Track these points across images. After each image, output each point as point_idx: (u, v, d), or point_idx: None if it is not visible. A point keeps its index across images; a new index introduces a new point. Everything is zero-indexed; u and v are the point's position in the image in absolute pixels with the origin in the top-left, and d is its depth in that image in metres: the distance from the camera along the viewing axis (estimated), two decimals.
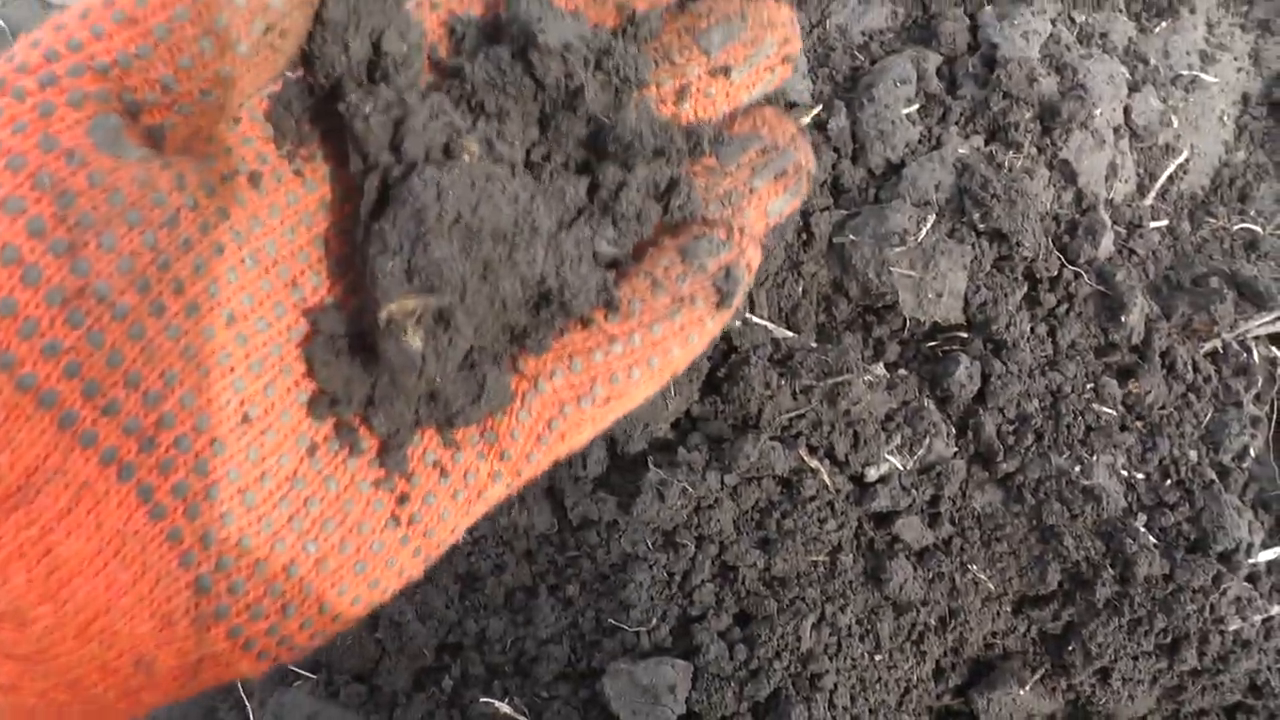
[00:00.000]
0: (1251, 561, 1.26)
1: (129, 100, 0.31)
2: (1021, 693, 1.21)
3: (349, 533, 0.36)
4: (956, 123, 1.36)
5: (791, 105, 1.32)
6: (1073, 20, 1.50)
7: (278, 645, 0.35)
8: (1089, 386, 1.30)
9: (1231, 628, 1.21)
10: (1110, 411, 1.29)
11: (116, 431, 0.30)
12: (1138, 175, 1.49)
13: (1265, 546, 1.28)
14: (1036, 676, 1.23)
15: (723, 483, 1.14)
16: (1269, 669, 1.24)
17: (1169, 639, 1.21)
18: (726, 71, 0.40)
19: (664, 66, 0.40)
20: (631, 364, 0.38)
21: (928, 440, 1.21)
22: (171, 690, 0.34)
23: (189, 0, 0.30)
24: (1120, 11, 1.57)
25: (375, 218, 0.35)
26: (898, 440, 1.20)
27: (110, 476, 0.31)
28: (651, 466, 1.12)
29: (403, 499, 0.37)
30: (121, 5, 0.30)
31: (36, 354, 0.29)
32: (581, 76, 0.37)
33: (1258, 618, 1.22)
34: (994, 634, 1.23)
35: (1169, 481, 1.29)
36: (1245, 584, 1.23)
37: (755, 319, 1.22)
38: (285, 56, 0.34)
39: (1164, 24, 1.59)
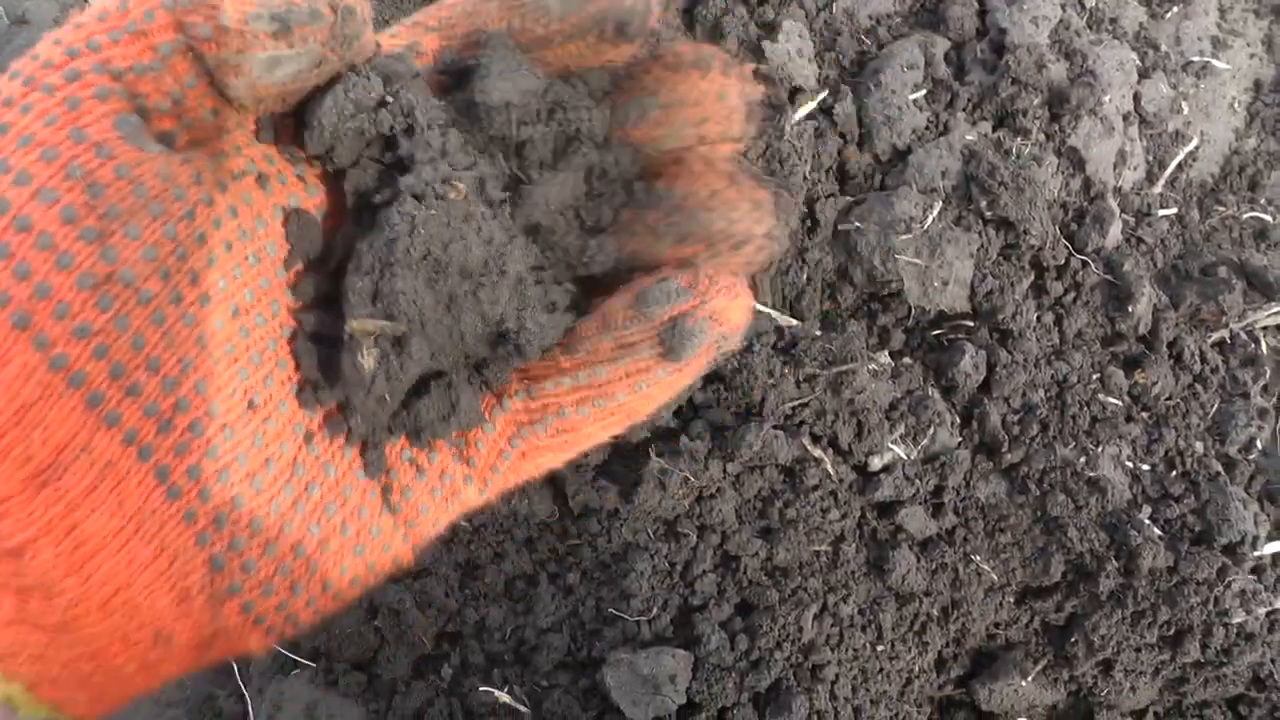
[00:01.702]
0: (1257, 554, 1.25)
1: (141, 106, 0.32)
2: (1024, 683, 1.20)
3: (349, 516, 0.38)
4: (964, 109, 1.34)
5: (797, 90, 1.31)
6: (1082, 5, 1.48)
7: (285, 621, 0.37)
8: (1095, 376, 1.29)
9: (1235, 620, 1.20)
10: (1116, 402, 1.28)
11: (138, 413, 0.32)
12: (1147, 163, 1.47)
13: (1271, 539, 1.27)
14: (1039, 667, 1.22)
15: (725, 471, 1.13)
16: (1272, 661, 1.23)
17: (1172, 631, 1.21)
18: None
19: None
20: (578, 401, 0.38)
21: (932, 430, 1.20)
22: (187, 663, 0.36)
23: (178, 39, 0.32)
24: None
25: (360, 236, 0.37)
26: (901, 430, 1.19)
27: (131, 456, 0.32)
28: (653, 455, 1.11)
29: (388, 489, 0.39)
30: (134, 16, 0.32)
31: (68, 335, 0.30)
32: (526, 132, 0.38)
33: (1262, 610, 1.21)
34: (997, 625, 1.23)
35: (1174, 473, 1.28)
36: (1250, 577, 1.22)
37: (759, 306, 1.21)
38: (297, 96, 0.35)
39: (1175, 9, 1.57)
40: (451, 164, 0.37)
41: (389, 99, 0.36)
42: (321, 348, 0.37)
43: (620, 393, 0.38)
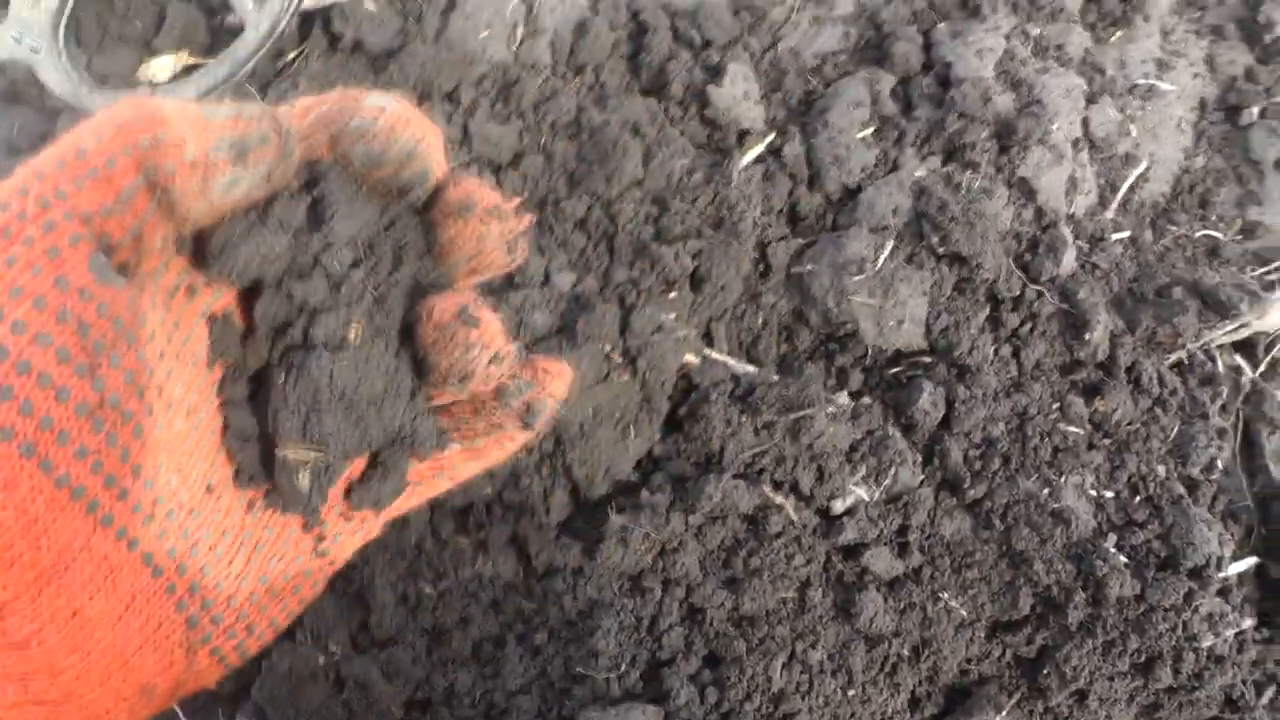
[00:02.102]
0: (1222, 575, 1.25)
1: (106, 244, 0.37)
2: (998, 718, 1.20)
3: (288, 565, 0.47)
4: (913, 144, 1.35)
5: (744, 133, 1.31)
6: (1027, 34, 1.50)
7: (238, 656, 0.46)
8: (1055, 406, 1.29)
9: (1205, 644, 1.21)
10: (1077, 431, 1.29)
11: (127, 512, 0.38)
12: (1098, 187, 1.48)
13: (1236, 558, 1.28)
14: (1013, 701, 1.22)
15: (687, 524, 1.12)
16: (1243, 683, 1.24)
17: (1143, 658, 1.21)
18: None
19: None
20: (464, 460, 0.51)
21: (893, 469, 1.20)
22: (164, 705, 0.44)
23: (139, 180, 0.36)
24: (1076, 22, 1.57)
25: (278, 372, 0.44)
26: (863, 471, 1.19)
27: (122, 548, 0.39)
28: (613, 512, 1.11)
29: (319, 539, 0.49)
30: (94, 164, 0.36)
31: (70, 457, 0.36)
32: (360, 264, 0.44)
33: (1230, 632, 1.22)
34: (969, 661, 1.22)
35: (1138, 499, 1.28)
36: (1217, 599, 1.23)
37: (714, 354, 1.21)
38: (243, 207, 0.40)
39: (1119, 33, 1.59)
40: (347, 299, 0.42)
41: (299, 237, 0.41)
42: (249, 444, 0.44)
43: (493, 452, 0.51)
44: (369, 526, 0.52)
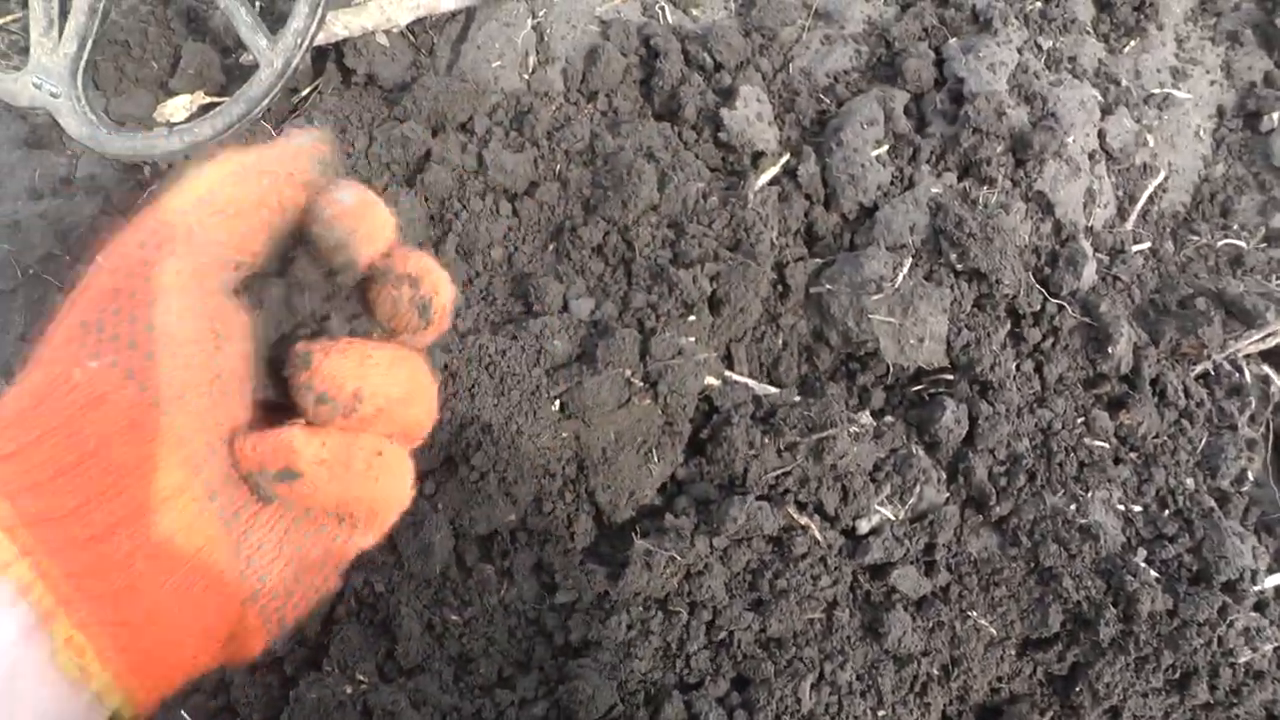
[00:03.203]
0: (1258, 589, 1.23)
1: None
2: None
3: (317, 540, 0.51)
4: (928, 161, 1.35)
5: (759, 155, 1.32)
6: (1039, 47, 1.49)
7: (279, 623, 0.49)
8: (1080, 421, 1.28)
9: (1242, 660, 1.19)
10: (1103, 445, 1.27)
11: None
12: (1117, 199, 1.48)
13: (1271, 571, 1.26)
14: (1046, 719, 1.20)
15: (711, 546, 1.12)
16: None
17: (1178, 675, 1.19)
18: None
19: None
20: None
21: (918, 488, 1.19)
22: (215, 661, 0.48)
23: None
24: (1088, 33, 1.56)
25: None
26: (887, 490, 1.19)
27: (202, 488, 0.45)
28: (636, 536, 1.10)
29: (340, 519, 0.53)
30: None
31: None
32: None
33: (1269, 647, 1.19)
34: (999, 679, 1.21)
35: (1167, 512, 1.27)
36: (1253, 614, 1.21)
37: (735, 376, 1.21)
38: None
39: (1133, 43, 1.58)
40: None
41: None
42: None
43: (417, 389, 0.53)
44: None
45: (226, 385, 0.46)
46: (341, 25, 1.40)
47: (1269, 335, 1.36)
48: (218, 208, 0.46)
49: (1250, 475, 1.31)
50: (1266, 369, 1.38)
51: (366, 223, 0.49)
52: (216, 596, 0.46)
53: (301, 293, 0.50)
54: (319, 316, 0.50)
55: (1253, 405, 1.34)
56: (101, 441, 0.42)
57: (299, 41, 1.34)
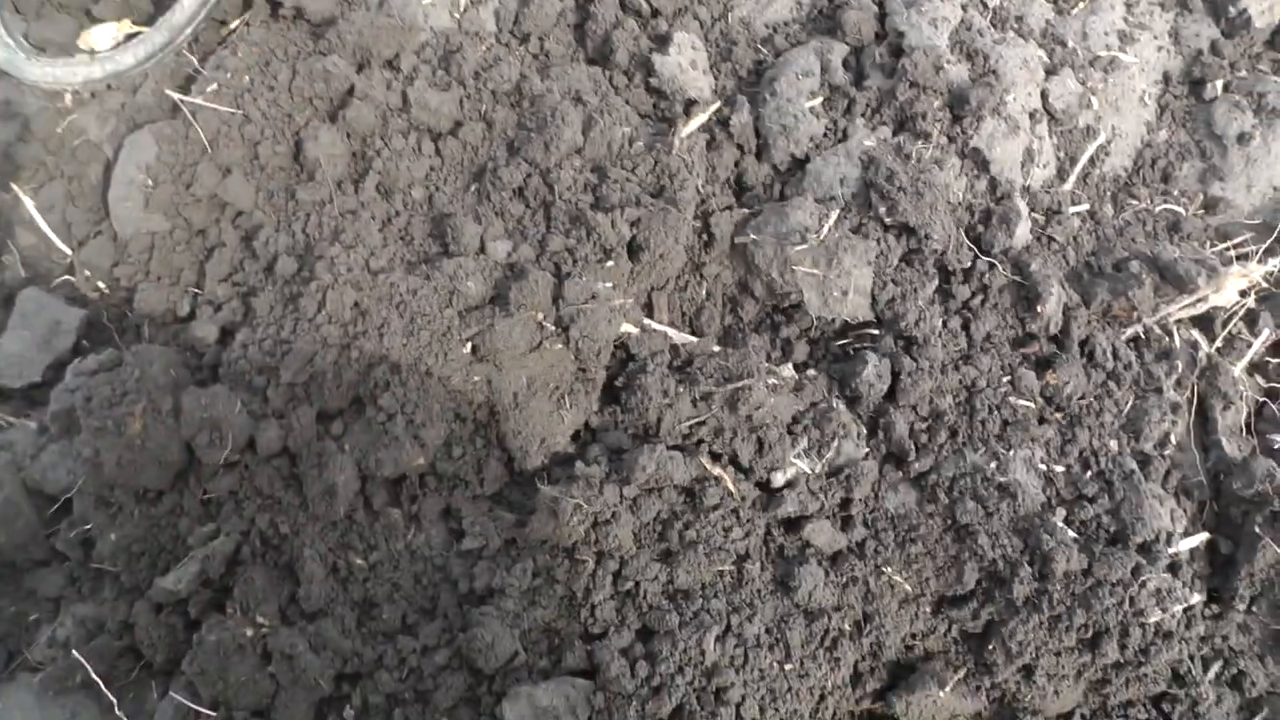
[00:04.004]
0: (1172, 551, 1.23)
1: None
2: (942, 694, 1.18)
3: None
4: (863, 114, 1.33)
5: (691, 103, 1.29)
6: (985, 4, 1.47)
7: None
8: (1005, 380, 1.27)
9: (1152, 620, 1.19)
10: (1028, 404, 1.27)
11: None
12: (1057, 159, 1.46)
13: (1187, 534, 1.26)
14: (959, 676, 1.20)
15: (621, 496, 1.10)
16: (1191, 658, 1.22)
17: (1090, 634, 1.19)
18: None
19: None
20: None
21: (836, 442, 1.18)
22: None
23: None
24: None
25: None
26: (805, 443, 1.17)
27: None
28: (542, 484, 1.09)
29: None
30: None
31: None
32: None
33: (1178, 608, 1.20)
34: (913, 635, 1.21)
35: (1089, 473, 1.26)
36: (1165, 575, 1.21)
37: (654, 324, 1.19)
38: None
39: (1082, 5, 1.56)
40: None
41: None
42: None
43: None
44: None
45: None
46: None
47: (1199, 300, 1.36)
48: None
49: (1173, 439, 1.31)
50: (1195, 334, 1.37)
51: None
52: None
53: None
54: None
55: (1179, 369, 1.33)
56: None
57: None
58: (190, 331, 1.14)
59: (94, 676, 1.09)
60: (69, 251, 1.28)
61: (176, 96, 1.27)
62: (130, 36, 1.39)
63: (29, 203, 1.30)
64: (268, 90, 1.27)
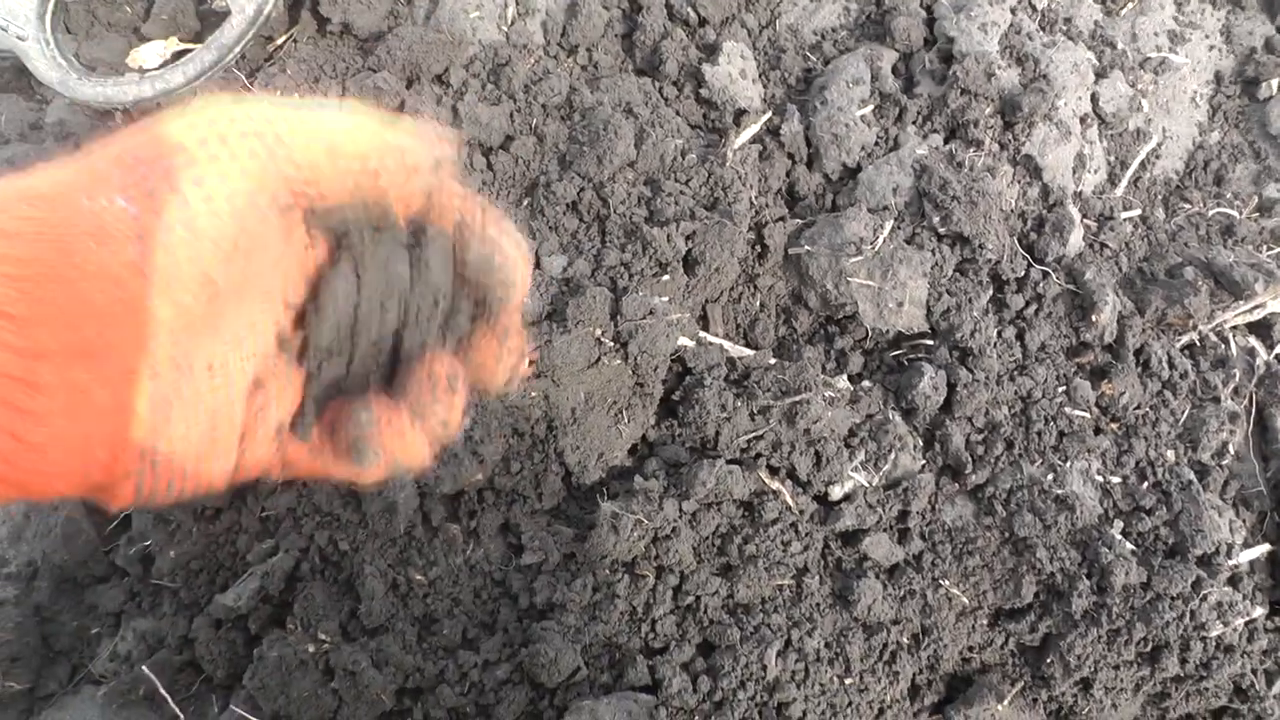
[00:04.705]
0: (1233, 563, 1.22)
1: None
2: (1000, 707, 1.18)
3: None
4: (914, 122, 1.32)
5: (741, 113, 1.29)
6: (1034, 7, 1.45)
7: (165, 486, 0.48)
8: (1061, 390, 1.26)
9: (1213, 634, 1.18)
10: (1083, 415, 1.26)
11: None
12: (1108, 164, 1.45)
13: (1247, 546, 1.25)
14: (1016, 690, 1.20)
15: (681, 510, 1.10)
16: (1253, 672, 1.21)
17: (1149, 647, 1.18)
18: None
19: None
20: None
21: (893, 454, 1.18)
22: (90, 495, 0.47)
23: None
24: None
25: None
26: (862, 456, 1.17)
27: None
28: (603, 499, 1.09)
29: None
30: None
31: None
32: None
33: (1240, 621, 1.18)
34: (970, 649, 1.20)
35: (1146, 485, 1.25)
36: (1226, 588, 1.19)
37: (710, 337, 1.19)
38: None
39: (1131, 5, 1.54)
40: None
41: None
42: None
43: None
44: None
45: (223, 297, 0.46)
46: None
47: (1256, 307, 1.34)
48: (329, 143, 0.47)
49: (1231, 449, 1.29)
50: (1253, 341, 1.36)
51: (522, 276, 0.55)
52: (112, 441, 0.45)
53: (410, 270, 0.52)
54: (427, 315, 0.53)
55: (1237, 378, 1.32)
56: (81, 275, 0.42)
57: None
58: None
59: (162, 690, 1.10)
60: None
61: None
62: (179, 54, 1.40)
63: None
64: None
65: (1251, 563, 1.24)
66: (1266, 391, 1.34)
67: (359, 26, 1.34)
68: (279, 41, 1.40)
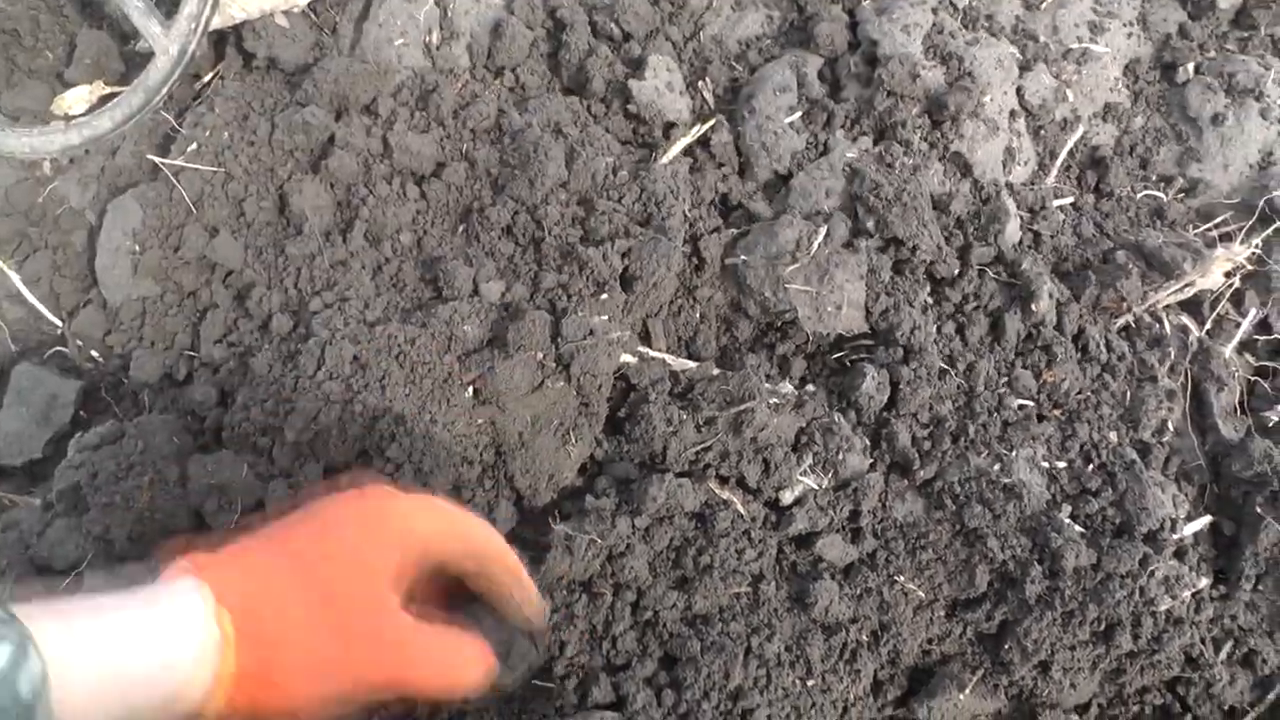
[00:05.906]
0: (1177, 537, 1.25)
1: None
2: (962, 696, 1.19)
3: None
4: (842, 126, 1.34)
5: (670, 126, 1.30)
6: (955, 6, 1.48)
7: None
8: (1003, 381, 1.28)
9: (1162, 608, 1.20)
10: (1026, 403, 1.28)
11: None
12: (1037, 155, 1.47)
13: (1190, 519, 1.27)
14: (977, 677, 1.21)
15: (633, 526, 1.11)
16: (1202, 641, 1.23)
17: (1103, 626, 1.20)
18: None
19: None
20: None
21: (841, 456, 1.19)
22: None
23: None
24: None
25: None
26: (810, 459, 1.18)
27: None
28: (555, 520, 1.09)
29: None
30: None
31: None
32: None
33: (1187, 593, 1.21)
34: (929, 641, 1.22)
35: (1090, 467, 1.27)
36: (1173, 561, 1.22)
37: (652, 353, 1.20)
38: None
39: None
40: None
41: None
42: None
43: None
44: None
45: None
46: (239, 7, 1.35)
47: (1186, 285, 1.37)
48: (457, 538, 0.75)
49: (1170, 425, 1.32)
50: (1185, 319, 1.39)
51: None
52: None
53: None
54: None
55: (1172, 355, 1.35)
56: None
57: (193, 26, 1.29)
58: (189, 395, 1.14)
59: None
60: (59, 323, 1.28)
61: (158, 160, 1.27)
62: (105, 99, 1.38)
63: (14, 276, 1.29)
64: (248, 145, 1.27)
65: (1195, 535, 1.27)
66: (1200, 367, 1.37)
67: (284, 60, 1.33)
68: (206, 79, 1.39)
